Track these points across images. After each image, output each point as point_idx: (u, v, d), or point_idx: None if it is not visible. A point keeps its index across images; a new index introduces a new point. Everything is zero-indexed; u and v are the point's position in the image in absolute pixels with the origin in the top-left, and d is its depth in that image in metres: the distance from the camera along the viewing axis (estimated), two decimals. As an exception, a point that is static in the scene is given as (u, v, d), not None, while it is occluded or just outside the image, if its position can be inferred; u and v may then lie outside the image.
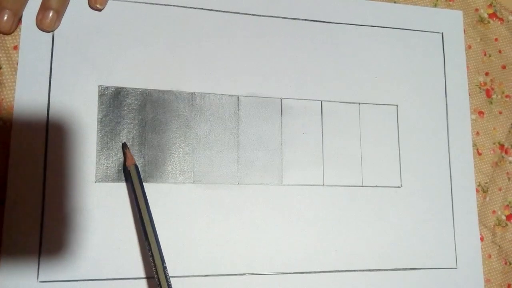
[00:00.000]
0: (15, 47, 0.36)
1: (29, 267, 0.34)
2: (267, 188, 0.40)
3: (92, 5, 0.37)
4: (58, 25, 0.37)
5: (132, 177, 0.35)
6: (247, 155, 0.40)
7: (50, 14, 0.36)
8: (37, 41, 0.36)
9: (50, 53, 0.36)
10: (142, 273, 0.36)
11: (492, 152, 0.46)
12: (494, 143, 0.46)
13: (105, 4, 0.38)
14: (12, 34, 0.36)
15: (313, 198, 0.40)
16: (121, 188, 0.36)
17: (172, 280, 0.36)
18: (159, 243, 0.33)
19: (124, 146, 0.37)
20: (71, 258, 0.35)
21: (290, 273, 0.39)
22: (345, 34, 0.44)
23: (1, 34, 0.36)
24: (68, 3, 0.37)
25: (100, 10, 0.38)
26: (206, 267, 0.37)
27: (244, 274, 0.38)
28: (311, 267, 0.39)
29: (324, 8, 0.43)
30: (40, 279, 0.34)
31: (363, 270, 0.40)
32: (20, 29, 0.36)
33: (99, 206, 0.36)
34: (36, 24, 0.36)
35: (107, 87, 0.37)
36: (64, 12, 0.37)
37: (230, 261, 0.38)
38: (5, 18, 0.35)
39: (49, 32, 0.37)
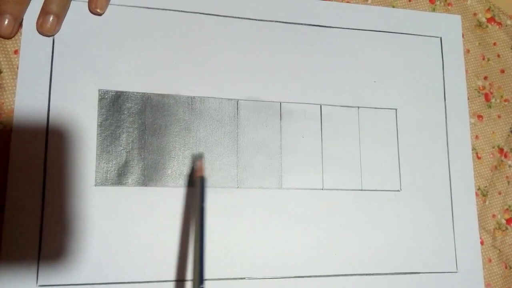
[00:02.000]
0: (16, 51, 0.37)
1: (29, 271, 0.34)
2: (266, 192, 0.40)
3: (92, 10, 0.37)
4: (59, 30, 0.37)
5: (197, 189, 0.35)
6: (246, 159, 0.40)
7: (51, 19, 0.36)
8: (38, 45, 0.36)
9: (50, 57, 0.37)
10: (141, 277, 0.36)
11: (491, 156, 0.46)
12: (493, 147, 0.46)
13: (105, 8, 0.38)
14: (13, 38, 0.37)
15: (312, 202, 0.40)
16: (121, 191, 0.36)
17: (171, 285, 0.36)
18: (203, 261, 0.31)
19: (197, 157, 0.37)
20: (70, 262, 0.35)
21: (289, 277, 0.39)
22: (344, 38, 0.44)
23: (2, 39, 0.36)
24: (68, 8, 0.37)
25: (100, 14, 0.38)
26: (206, 271, 0.37)
27: (243, 278, 0.38)
28: (310, 271, 0.39)
29: (323, 13, 0.44)
30: (39, 283, 0.34)
31: (363, 274, 0.40)
32: (21, 34, 0.37)
33: (99, 210, 0.36)
34: (37, 28, 0.36)
35: (107, 91, 0.37)
36: (65, 17, 0.37)
37: (230, 265, 0.38)
38: (6, 22, 0.35)
39: (49, 36, 0.37)
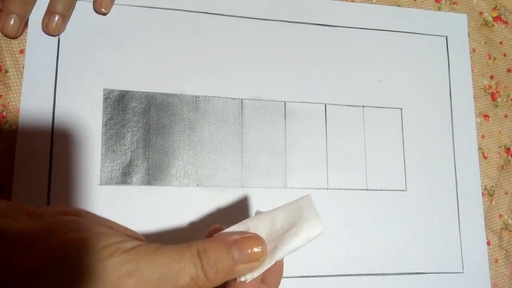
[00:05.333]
0: (21, 51, 0.37)
1: (34, 270, 0.34)
2: (271, 191, 0.39)
3: (97, 9, 0.38)
4: (64, 29, 0.37)
5: None
6: (251, 158, 0.40)
7: (56, 18, 0.36)
8: (43, 45, 0.37)
9: (55, 57, 0.37)
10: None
11: (497, 155, 0.46)
12: (499, 147, 0.46)
13: (110, 8, 0.38)
14: (19, 38, 0.37)
15: (317, 202, 0.40)
16: (125, 190, 0.36)
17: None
18: None
19: None
20: (75, 260, 0.35)
21: (294, 277, 0.39)
22: (349, 37, 0.44)
23: (8, 38, 0.36)
24: (73, 8, 0.37)
25: (105, 14, 0.38)
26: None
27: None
28: (315, 271, 0.39)
29: (328, 12, 0.44)
30: (44, 281, 0.34)
31: (368, 274, 0.40)
32: (26, 33, 0.37)
33: (104, 208, 0.36)
34: (42, 28, 0.36)
35: (112, 91, 0.38)
36: (70, 16, 0.37)
37: (234, 265, 0.38)
38: (12, 22, 0.35)
39: (55, 36, 0.37)
